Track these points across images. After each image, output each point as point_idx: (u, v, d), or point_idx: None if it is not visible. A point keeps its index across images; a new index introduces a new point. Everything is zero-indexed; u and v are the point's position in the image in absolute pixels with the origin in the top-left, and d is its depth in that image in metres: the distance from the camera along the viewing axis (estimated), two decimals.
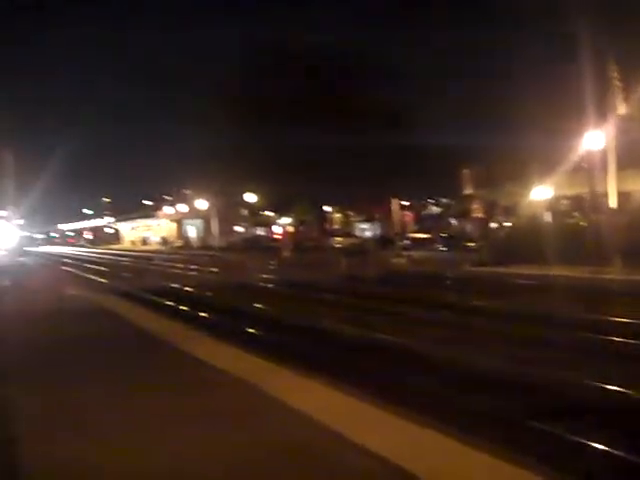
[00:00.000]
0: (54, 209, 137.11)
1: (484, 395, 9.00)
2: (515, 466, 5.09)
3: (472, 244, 43.33)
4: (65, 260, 62.38)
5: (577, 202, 39.50)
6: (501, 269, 27.87)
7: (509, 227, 39.18)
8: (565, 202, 42.52)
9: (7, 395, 7.94)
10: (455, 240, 48.17)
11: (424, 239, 51.80)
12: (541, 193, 36.74)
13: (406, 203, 56.91)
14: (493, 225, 43.84)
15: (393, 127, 49.62)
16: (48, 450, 5.84)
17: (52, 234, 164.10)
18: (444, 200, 63.87)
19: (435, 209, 67.50)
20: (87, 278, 36.43)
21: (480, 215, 43.48)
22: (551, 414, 8.10)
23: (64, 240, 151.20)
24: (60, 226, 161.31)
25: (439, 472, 5.05)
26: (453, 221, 62.51)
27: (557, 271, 24.66)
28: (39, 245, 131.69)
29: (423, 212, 68.34)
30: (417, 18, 74.09)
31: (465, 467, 5.15)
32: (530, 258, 27.45)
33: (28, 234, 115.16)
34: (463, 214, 54.27)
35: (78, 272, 42.54)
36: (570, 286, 21.41)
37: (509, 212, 42.70)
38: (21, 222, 34.55)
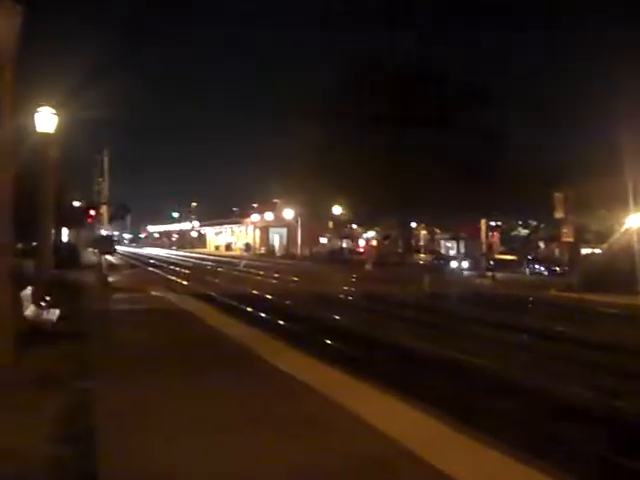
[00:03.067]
0: (145, 210, 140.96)
1: None
2: None
3: (558, 269, 42.26)
4: (151, 261, 64.25)
5: None
6: (589, 296, 26.64)
7: (600, 253, 37.58)
8: None
9: None
10: (542, 263, 46.89)
11: (510, 261, 50.58)
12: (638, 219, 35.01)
13: (494, 223, 55.61)
14: (584, 251, 42.30)
15: (488, 144, 48.63)
16: None
17: (140, 235, 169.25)
18: (533, 222, 62.12)
19: (523, 231, 65.84)
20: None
21: (570, 239, 41.95)
22: None
23: (152, 241, 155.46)
24: (149, 227, 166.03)
25: None
26: (541, 244, 60.85)
27: None
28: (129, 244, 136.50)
29: (511, 233, 66.85)
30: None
31: None
32: (621, 287, 26.23)
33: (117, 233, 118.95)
34: (552, 237, 52.71)
35: (162, 273, 43.66)
36: None
37: (601, 238, 41.03)
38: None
